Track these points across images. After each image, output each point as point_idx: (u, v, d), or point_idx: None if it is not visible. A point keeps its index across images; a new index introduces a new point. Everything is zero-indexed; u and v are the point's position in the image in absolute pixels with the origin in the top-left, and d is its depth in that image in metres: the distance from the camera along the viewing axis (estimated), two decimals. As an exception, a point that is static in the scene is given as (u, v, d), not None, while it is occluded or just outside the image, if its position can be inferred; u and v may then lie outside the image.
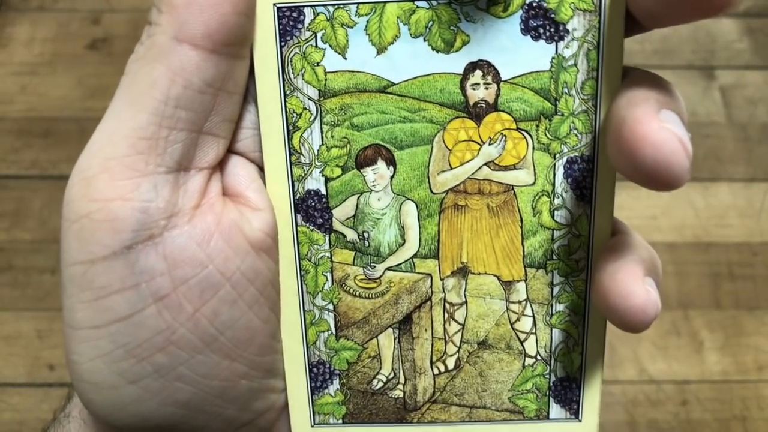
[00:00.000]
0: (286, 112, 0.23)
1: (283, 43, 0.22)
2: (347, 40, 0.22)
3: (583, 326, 0.24)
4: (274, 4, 0.22)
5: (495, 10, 0.22)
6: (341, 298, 0.25)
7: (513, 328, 0.25)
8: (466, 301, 0.25)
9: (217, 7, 0.20)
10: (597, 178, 0.23)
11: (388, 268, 0.24)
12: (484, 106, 0.22)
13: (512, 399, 0.25)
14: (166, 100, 0.20)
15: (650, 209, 0.86)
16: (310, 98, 0.23)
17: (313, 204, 0.24)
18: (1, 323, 0.81)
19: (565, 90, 0.22)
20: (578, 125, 0.22)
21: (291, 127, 0.23)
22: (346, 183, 0.23)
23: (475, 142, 0.23)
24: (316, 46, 0.22)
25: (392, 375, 0.25)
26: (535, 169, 0.23)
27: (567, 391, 0.25)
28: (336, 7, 0.22)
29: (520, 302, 0.24)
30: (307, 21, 0.22)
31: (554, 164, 0.23)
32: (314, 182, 0.23)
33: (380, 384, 0.25)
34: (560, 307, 0.24)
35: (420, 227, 0.24)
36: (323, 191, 0.24)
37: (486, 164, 0.23)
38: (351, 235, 0.24)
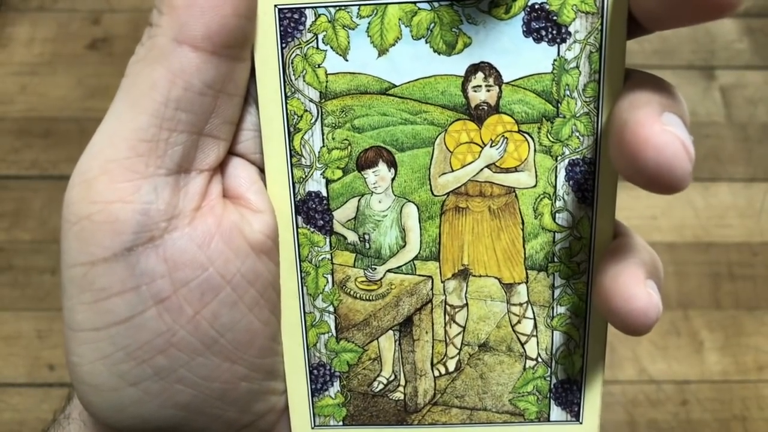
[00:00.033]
0: (287, 113, 0.23)
1: (284, 45, 0.22)
2: (348, 42, 0.22)
3: (584, 329, 0.24)
4: (275, 6, 0.22)
5: (497, 12, 0.21)
6: (342, 300, 0.25)
7: (514, 331, 0.25)
8: (467, 304, 0.25)
9: (217, 9, 0.20)
10: (599, 180, 0.23)
11: (388, 270, 0.24)
12: (485, 108, 0.22)
13: (513, 401, 0.25)
14: (167, 102, 0.20)
15: (650, 209, 0.86)
16: (311, 100, 0.23)
17: (313, 206, 0.24)
18: (1, 323, 0.81)
19: (567, 92, 0.22)
20: (580, 127, 0.22)
21: (292, 129, 0.23)
22: (347, 185, 0.23)
23: (477, 144, 0.23)
24: (318, 48, 0.22)
25: (393, 377, 0.25)
26: (536, 172, 0.23)
27: (568, 394, 0.25)
28: (337, 8, 0.22)
29: (521, 304, 0.24)
30: (308, 22, 0.22)
31: (556, 166, 0.23)
32: (315, 184, 0.23)
33: (381, 386, 0.25)
34: (561, 309, 0.24)
35: (421, 229, 0.24)
36: (324, 193, 0.23)
37: (487, 166, 0.23)
38: (352, 237, 0.24)
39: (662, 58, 0.96)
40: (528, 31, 0.22)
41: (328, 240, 0.24)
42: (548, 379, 0.25)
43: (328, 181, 0.23)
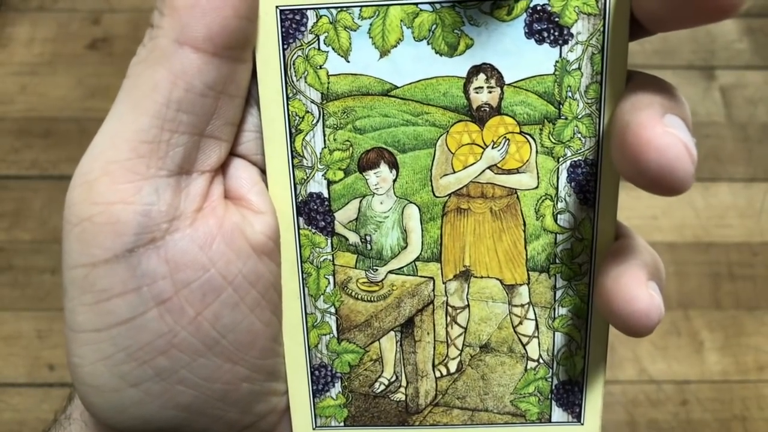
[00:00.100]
0: (288, 115, 0.23)
1: (285, 46, 0.22)
2: (350, 43, 0.22)
3: (585, 330, 0.24)
4: (277, 7, 0.22)
5: (499, 14, 0.21)
6: (343, 301, 0.25)
7: (515, 332, 0.25)
8: (468, 305, 0.25)
9: (218, 10, 0.20)
10: (600, 181, 0.23)
11: (390, 272, 0.24)
12: (487, 109, 0.22)
13: (514, 402, 0.25)
14: (168, 103, 0.20)
15: (650, 209, 0.86)
16: (312, 101, 0.23)
17: (315, 207, 0.24)
18: (1, 323, 0.81)
19: (569, 94, 0.22)
20: (582, 129, 0.22)
21: (293, 130, 0.23)
22: (349, 186, 0.23)
23: (479, 145, 0.23)
24: (319, 49, 0.22)
25: (394, 378, 0.25)
26: (538, 173, 0.23)
27: (569, 395, 0.25)
28: (339, 9, 0.22)
29: (522, 306, 0.24)
30: (309, 24, 0.22)
31: (558, 168, 0.23)
32: (316, 185, 0.23)
33: (382, 387, 0.25)
34: (563, 310, 0.24)
35: (422, 230, 0.24)
36: (325, 194, 0.23)
37: (489, 168, 0.23)
38: (353, 238, 0.24)
39: (662, 58, 0.96)
40: (530, 33, 0.22)
41: (329, 241, 0.24)
42: (549, 380, 0.25)
43: (330, 183, 0.23)
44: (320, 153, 0.23)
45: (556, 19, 0.21)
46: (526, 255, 0.24)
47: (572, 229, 0.23)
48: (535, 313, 0.24)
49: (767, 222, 0.86)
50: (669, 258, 0.84)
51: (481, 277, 0.24)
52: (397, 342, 0.25)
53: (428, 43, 0.22)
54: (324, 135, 0.23)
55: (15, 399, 0.78)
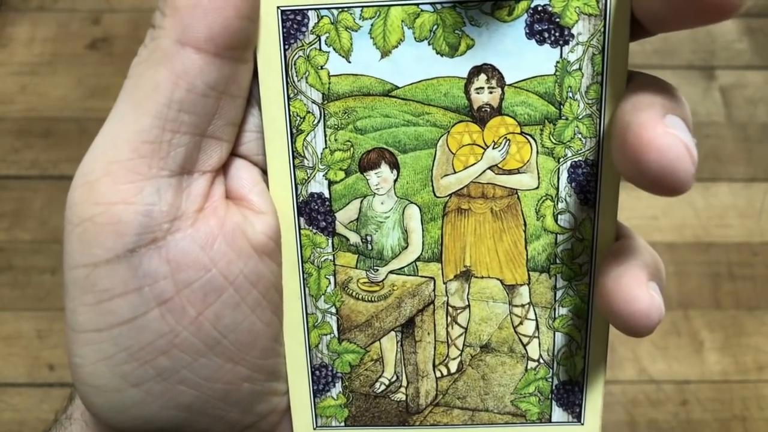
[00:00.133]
0: (289, 115, 0.23)
1: (286, 47, 0.22)
2: (351, 44, 0.22)
3: (585, 330, 0.24)
4: (278, 7, 0.22)
5: (500, 14, 0.21)
6: (344, 301, 0.25)
7: (516, 332, 0.25)
8: (469, 305, 0.25)
9: (220, 10, 0.20)
10: (601, 182, 0.23)
11: (391, 272, 0.24)
12: (488, 110, 0.22)
13: (515, 402, 0.25)
14: (170, 104, 0.20)
15: (651, 209, 0.86)
16: (313, 101, 0.23)
17: (316, 207, 0.24)
18: (1, 323, 0.81)
19: (570, 94, 0.22)
20: (582, 129, 0.22)
21: (294, 131, 0.23)
22: (350, 186, 0.23)
23: (479, 146, 0.23)
24: (320, 50, 0.22)
25: (395, 378, 0.25)
26: (539, 173, 0.23)
27: (569, 395, 0.25)
28: (340, 10, 0.22)
29: (523, 306, 0.24)
30: (311, 24, 0.22)
31: (558, 168, 0.23)
32: (317, 185, 0.23)
33: (383, 387, 0.25)
34: (563, 310, 0.24)
35: (423, 231, 0.24)
36: (326, 194, 0.24)
37: (490, 168, 0.23)
38: (354, 238, 0.24)
39: (662, 58, 0.96)
40: (531, 33, 0.22)
41: (330, 241, 0.24)
42: (550, 380, 0.25)
43: (331, 183, 0.23)
44: (321, 153, 0.23)
45: (557, 20, 0.21)
46: (527, 255, 0.24)
47: (573, 230, 0.23)
48: (535, 313, 0.24)
49: (767, 222, 0.86)
50: (669, 258, 0.84)
51: (482, 278, 0.24)
52: (397, 342, 0.25)
53: (429, 44, 0.22)
54: (325, 135, 0.23)
55: (15, 399, 0.78)
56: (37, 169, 0.89)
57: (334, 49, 0.22)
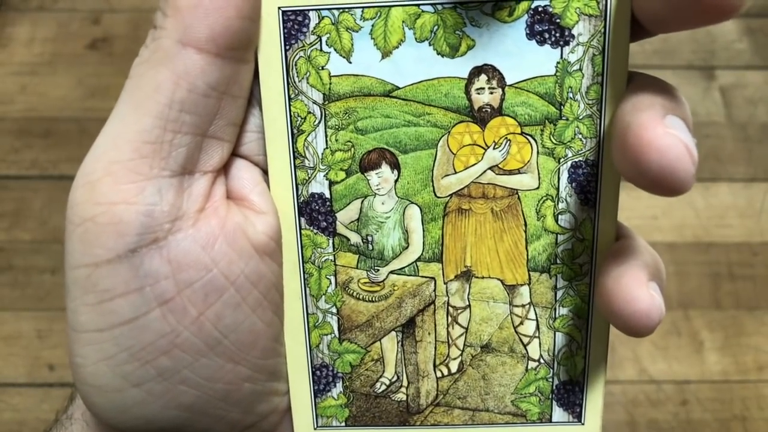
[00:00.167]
0: (290, 115, 0.23)
1: (287, 47, 0.22)
2: (352, 44, 0.22)
3: (586, 330, 0.24)
4: (279, 8, 0.22)
5: (500, 15, 0.22)
6: (345, 301, 0.25)
7: (516, 332, 0.25)
8: (469, 305, 0.25)
9: (221, 11, 0.20)
10: (601, 182, 0.23)
11: (391, 272, 0.24)
12: (488, 110, 0.22)
13: (515, 402, 0.25)
14: (171, 104, 0.20)
15: (651, 209, 0.86)
16: (314, 102, 0.23)
17: (317, 207, 0.24)
18: (1, 323, 0.81)
19: (570, 95, 0.22)
20: (583, 130, 0.22)
21: (295, 131, 0.23)
22: (350, 186, 0.23)
23: (480, 146, 0.23)
24: (321, 50, 0.22)
25: (395, 378, 0.25)
26: (539, 174, 0.23)
27: (570, 395, 0.25)
28: (341, 10, 0.22)
29: (523, 306, 0.24)
30: (312, 25, 0.22)
31: (559, 168, 0.23)
32: (318, 186, 0.23)
33: (383, 387, 0.25)
34: (563, 310, 0.24)
35: (424, 231, 0.24)
36: (327, 195, 0.24)
37: (490, 168, 0.23)
38: (355, 238, 0.24)
39: (662, 58, 0.96)
40: (531, 34, 0.22)
41: (331, 241, 0.24)
42: (550, 380, 0.25)
43: (331, 183, 0.23)
44: (322, 153, 0.23)
45: (558, 21, 0.21)
46: (527, 255, 0.24)
47: (573, 230, 0.23)
48: (535, 314, 0.24)
49: (767, 222, 0.86)
50: (669, 258, 0.84)
51: (482, 278, 0.24)
52: (398, 342, 0.25)
53: (430, 44, 0.22)
54: (326, 135, 0.23)
55: (15, 399, 0.78)
56: (37, 169, 0.89)
57: (335, 49, 0.22)
